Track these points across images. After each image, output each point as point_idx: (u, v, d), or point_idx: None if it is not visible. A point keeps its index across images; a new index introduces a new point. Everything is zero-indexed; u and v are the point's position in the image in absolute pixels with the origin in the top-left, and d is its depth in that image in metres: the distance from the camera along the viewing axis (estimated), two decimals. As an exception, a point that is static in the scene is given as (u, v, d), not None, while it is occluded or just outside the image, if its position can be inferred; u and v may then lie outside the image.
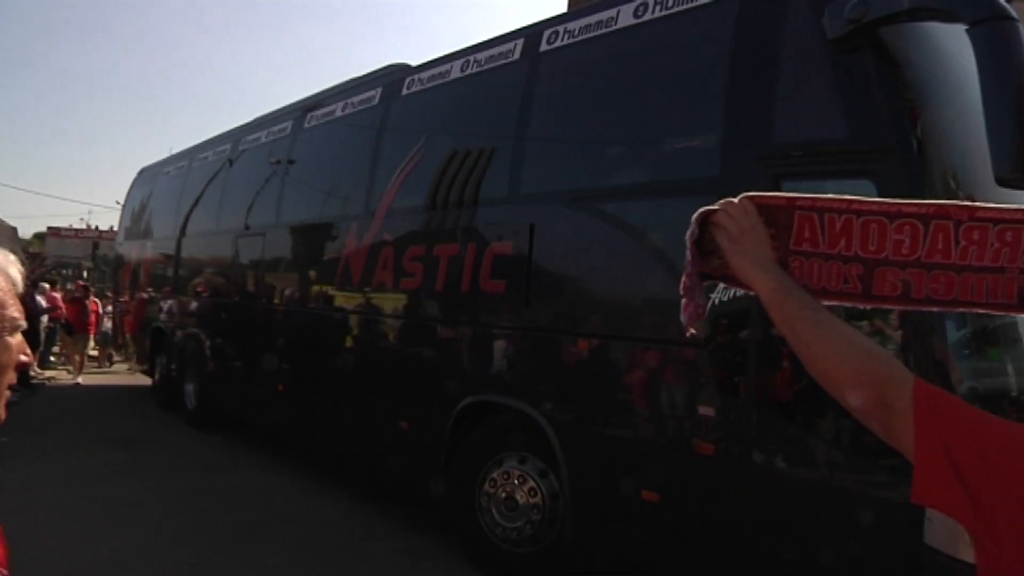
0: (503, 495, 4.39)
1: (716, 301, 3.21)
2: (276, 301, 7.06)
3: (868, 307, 1.47)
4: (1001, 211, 1.36)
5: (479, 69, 5.03)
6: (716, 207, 1.37)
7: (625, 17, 4.08)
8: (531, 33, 4.72)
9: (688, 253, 1.40)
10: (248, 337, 7.38)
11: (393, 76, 6.04)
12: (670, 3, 3.85)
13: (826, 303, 1.43)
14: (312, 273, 6.55)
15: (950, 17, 2.74)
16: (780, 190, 2.97)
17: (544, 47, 4.54)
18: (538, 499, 4.24)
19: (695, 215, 1.38)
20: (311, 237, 6.64)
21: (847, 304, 1.46)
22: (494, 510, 4.41)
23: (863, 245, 1.42)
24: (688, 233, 1.39)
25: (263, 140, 7.64)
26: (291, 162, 7.00)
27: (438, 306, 5.03)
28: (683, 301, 1.40)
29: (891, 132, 2.93)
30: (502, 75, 4.84)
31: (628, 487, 3.68)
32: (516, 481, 4.34)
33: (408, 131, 5.65)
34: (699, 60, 3.77)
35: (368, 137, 6.01)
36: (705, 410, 3.43)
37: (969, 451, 1.11)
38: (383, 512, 5.61)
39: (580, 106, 4.37)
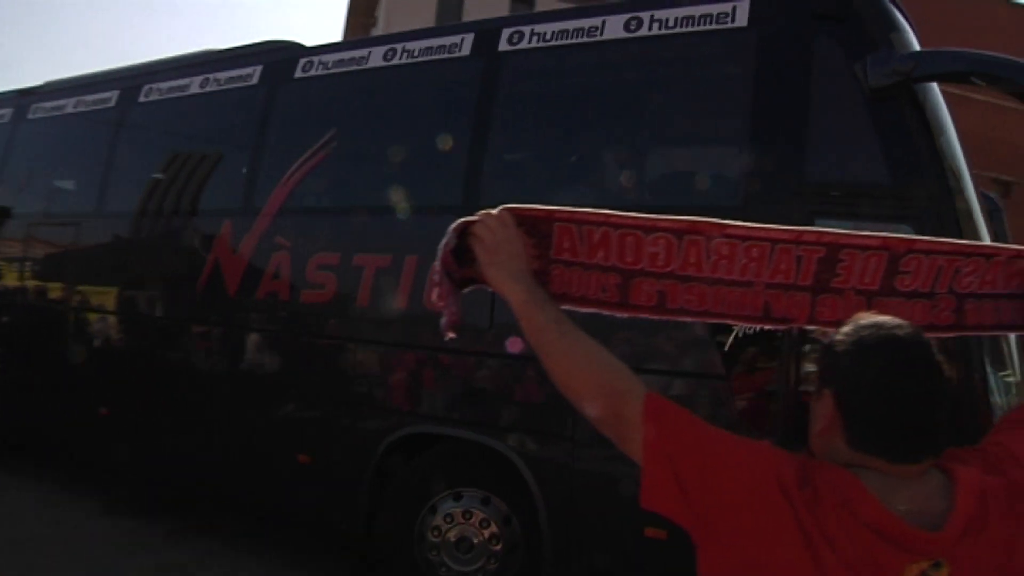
0: (453, 538, 3.96)
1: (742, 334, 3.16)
2: (100, 307, 5.74)
3: (624, 315, 1.54)
4: (749, 229, 1.46)
5: (410, 60, 4.50)
6: (475, 218, 1.40)
7: (613, 29, 3.89)
8: (484, 29, 4.33)
9: (438, 263, 1.44)
10: (62, 348, 5.90)
11: (279, 55, 5.21)
12: (670, 23, 3.74)
13: (585, 310, 1.51)
14: (150, 276, 5.42)
15: (1011, 85, 2.95)
16: (810, 223, 3.00)
17: (505, 47, 4.18)
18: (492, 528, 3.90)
19: (452, 226, 1.41)
20: (144, 233, 5.50)
21: (605, 312, 1.52)
22: (445, 556, 3.96)
23: (620, 256, 1.48)
24: (443, 243, 1.42)
25: (72, 108, 6.19)
26: (119, 136, 5.75)
27: (357, 323, 4.41)
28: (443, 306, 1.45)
29: (931, 180, 3.10)
30: (446, 70, 4.39)
31: (627, 523, 3.49)
32: (464, 520, 3.94)
33: (308, 120, 4.92)
34: (707, 88, 3.71)
35: (244, 120, 5.13)
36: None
37: (691, 462, 1.20)
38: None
39: (559, 115, 4.10)
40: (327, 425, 4.44)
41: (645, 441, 1.23)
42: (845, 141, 3.26)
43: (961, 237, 3.02)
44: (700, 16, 3.67)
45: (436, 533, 3.98)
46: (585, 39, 3.95)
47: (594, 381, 1.31)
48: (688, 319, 1.54)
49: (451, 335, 1.48)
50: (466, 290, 1.51)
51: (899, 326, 1.26)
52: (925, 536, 1.15)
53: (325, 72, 4.84)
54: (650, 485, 1.23)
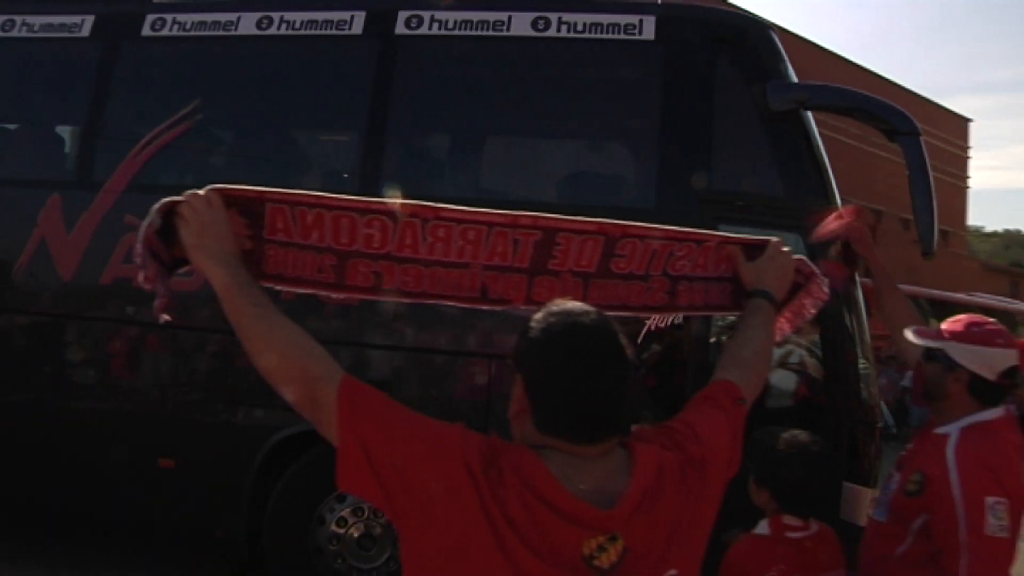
0: (356, 535, 3.83)
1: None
2: None
3: (342, 296, 1.61)
4: (465, 212, 1.54)
5: (290, 32, 4.15)
6: (181, 198, 1.40)
7: (520, 26, 3.91)
8: (377, 9, 4.13)
9: (139, 245, 1.42)
10: None
11: (117, 7, 4.53)
12: (578, 27, 3.84)
13: (301, 291, 1.58)
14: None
15: (882, 123, 3.42)
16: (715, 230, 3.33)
17: (402, 30, 4.02)
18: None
19: (156, 206, 1.40)
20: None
21: (322, 293, 1.58)
22: (347, 554, 3.81)
23: (335, 237, 1.52)
24: (145, 224, 1.41)
25: None
26: None
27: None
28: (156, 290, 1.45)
29: (819, 195, 3.52)
30: (335, 48, 4.13)
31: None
32: (358, 516, 3.84)
33: (162, 87, 4.37)
34: (617, 95, 3.86)
35: (75, 79, 4.43)
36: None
37: (382, 447, 1.25)
38: None
39: (460, 104, 4.03)
40: (195, 426, 4.03)
41: (339, 425, 1.26)
42: (747, 156, 3.60)
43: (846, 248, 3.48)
44: (608, 24, 3.81)
45: (335, 542, 3.83)
46: (491, 32, 3.93)
47: (291, 365, 1.33)
48: (405, 300, 1.60)
49: (165, 318, 1.47)
50: (181, 271, 1.49)
51: (585, 313, 1.34)
52: (600, 513, 1.23)
53: (182, 34, 4.31)
54: (344, 469, 1.26)
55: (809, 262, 1.90)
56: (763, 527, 2.25)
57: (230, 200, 1.43)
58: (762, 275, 1.77)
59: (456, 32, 3.96)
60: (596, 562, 1.22)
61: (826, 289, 1.90)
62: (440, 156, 4.18)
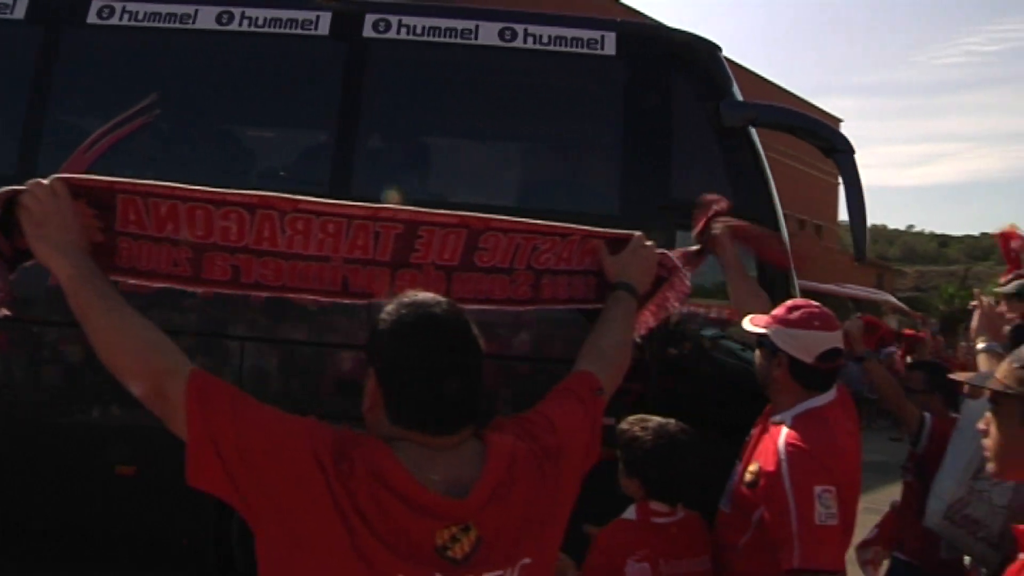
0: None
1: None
2: None
3: (200, 290, 1.58)
4: (323, 205, 1.53)
5: (253, 28, 4.11)
6: (23, 187, 1.35)
7: (488, 35, 4.04)
8: (343, 11, 4.15)
9: None
10: None
11: None
12: (543, 39, 4.02)
13: (157, 285, 1.53)
14: None
15: (821, 140, 3.79)
16: (675, 240, 3.63)
17: (370, 33, 4.07)
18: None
19: None
20: None
21: (178, 287, 1.54)
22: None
23: (191, 230, 1.48)
24: None
25: None
26: None
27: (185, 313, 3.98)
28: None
29: (765, 205, 3.87)
30: (301, 48, 4.11)
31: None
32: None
33: (112, 80, 4.22)
34: (578, 105, 4.07)
35: (10, 66, 4.19)
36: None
37: (232, 441, 1.23)
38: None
39: (427, 110, 4.12)
40: (157, 431, 3.96)
41: (188, 420, 1.25)
42: (701, 168, 3.90)
43: (787, 251, 3.85)
44: (572, 38, 4.02)
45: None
46: (459, 40, 4.05)
47: (137, 359, 1.31)
48: (265, 294, 1.59)
49: (4, 313, 1.42)
50: (27, 264, 1.44)
51: (437, 304, 1.34)
52: (452, 503, 1.24)
53: (134, 24, 4.16)
54: (194, 464, 1.25)
55: (672, 256, 1.95)
56: (630, 512, 2.30)
57: (79, 190, 1.38)
58: (625, 268, 1.81)
59: (424, 38, 4.06)
60: (449, 553, 1.22)
61: (688, 283, 1.95)
62: (404, 160, 4.26)
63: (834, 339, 2.22)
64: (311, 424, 1.29)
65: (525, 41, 4.04)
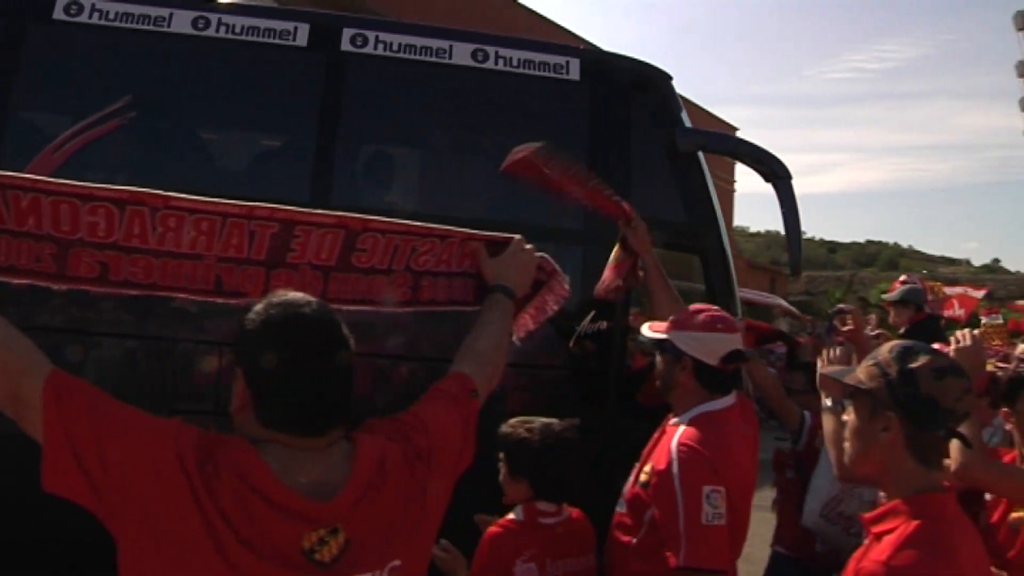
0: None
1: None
2: None
3: (65, 287, 1.51)
4: (196, 202, 1.50)
5: (230, 35, 4.19)
6: None
7: (461, 55, 4.27)
8: (320, 23, 4.28)
9: None
10: None
11: None
12: (513, 62, 4.29)
13: (17, 281, 1.47)
14: None
15: (762, 167, 4.22)
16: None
17: (347, 47, 4.22)
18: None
19: None
20: None
21: (41, 283, 1.49)
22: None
23: (55, 225, 1.42)
24: None
25: None
26: None
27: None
28: None
29: (713, 222, 4.27)
30: (279, 58, 4.21)
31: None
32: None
33: (82, 79, 4.19)
34: (545, 126, 4.35)
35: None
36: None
37: (92, 444, 1.19)
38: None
39: (402, 124, 4.30)
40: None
41: (45, 422, 1.20)
42: (659, 188, 4.26)
43: (730, 265, 4.27)
44: (539, 62, 4.30)
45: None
46: (434, 58, 4.26)
47: None
48: (134, 292, 1.54)
49: None
50: None
51: (307, 303, 1.32)
52: (319, 505, 1.22)
53: (104, 23, 4.14)
54: (51, 468, 1.20)
55: (551, 260, 1.97)
56: (517, 512, 2.30)
57: None
58: (503, 271, 1.82)
59: (400, 55, 4.24)
60: (317, 556, 1.21)
61: (567, 287, 1.98)
62: (379, 172, 4.43)
63: (736, 341, 2.26)
64: (175, 425, 1.25)
65: (496, 63, 4.30)
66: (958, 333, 2.50)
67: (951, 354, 2.27)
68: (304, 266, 1.62)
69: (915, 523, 1.51)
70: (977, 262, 77.31)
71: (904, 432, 1.56)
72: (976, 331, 2.53)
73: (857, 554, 1.60)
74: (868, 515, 1.64)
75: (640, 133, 4.28)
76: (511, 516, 2.30)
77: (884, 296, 5.91)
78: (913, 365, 1.59)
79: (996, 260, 78.55)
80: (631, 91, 4.33)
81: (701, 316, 2.27)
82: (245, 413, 1.31)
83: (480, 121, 4.48)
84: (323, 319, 1.32)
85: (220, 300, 1.61)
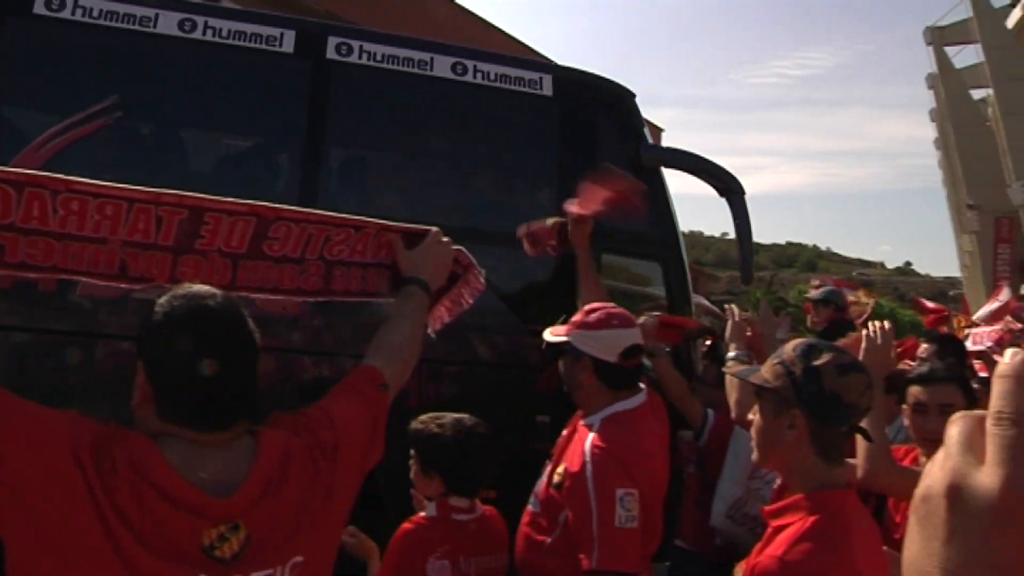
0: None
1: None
2: None
3: None
4: (100, 187, 1.48)
5: (217, 39, 4.27)
6: None
7: (442, 67, 4.49)
8: (306, 31, 4.41)
9: None
10: None
11: None
12: (491, 76, 4.54)
13: None
14: None
15: (718, 182, 4.62)
16: (599, 260, 4.34)
17: (333, 55, 4.38)
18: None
19: None
20: None
21: None
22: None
23: None
24: None
25: None
26: None
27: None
28: None
29: (673, 231, 4.64)
30: (265, 63, 4.33)
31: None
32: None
33: (63, 76, 4.19)
34: (519, 136, 4.63)
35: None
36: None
37: None
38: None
39: (383, 133, 4.49)
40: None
41: None
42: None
43: (687, 272, 4.65)
44: (515, 77, 4.57)
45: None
46: (415, 70, 4.47)
47: None
48: (34, 275, 1.51)
49: None
50: None
51: (211, 296, 1.31)
52: (219, 501, 1.20)
53: (87, 20, 4.16)
54: None
55: (467, 253, 1.97)
56: (430, 509, 2.29)
57: None
58: (419, 263, 1.80)
59: (384, 65, 4.43)
60: (217, 553, 1.19)
61: (483, 280, 1.98)
62: (358, 178, 4.61)
63: (634, 336, 2.26)
64: (71, 419, 1.22)
65: (474, 76, 4.55)
66: (871, 325, 2.51)
67: (862, 346, 2.39)
68: (213, 253, 1.61)
69: (813, 518, 1.53)
70: (891, 264, 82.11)
71: (809, 429, 1.59)
72: (887, 323, 2.54)
73: (757, 547, 1.63)
74: (769, 508, 1.67)
75: (607, 147, 4.61)
76: (423, 513, 2.28)
77: (807, 295, 6.14)
78: (817, 362, 1.61)
79: (908, 263, 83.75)
80: (599, 107, 4.66)
81: (595, 314, 2.26)
82: (145, 407, 1.29)
83: (457, 131, 4.72)
84: (227, 312, 1.31)
85: (125, 285, 1.59)
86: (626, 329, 2.25)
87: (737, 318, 3.05)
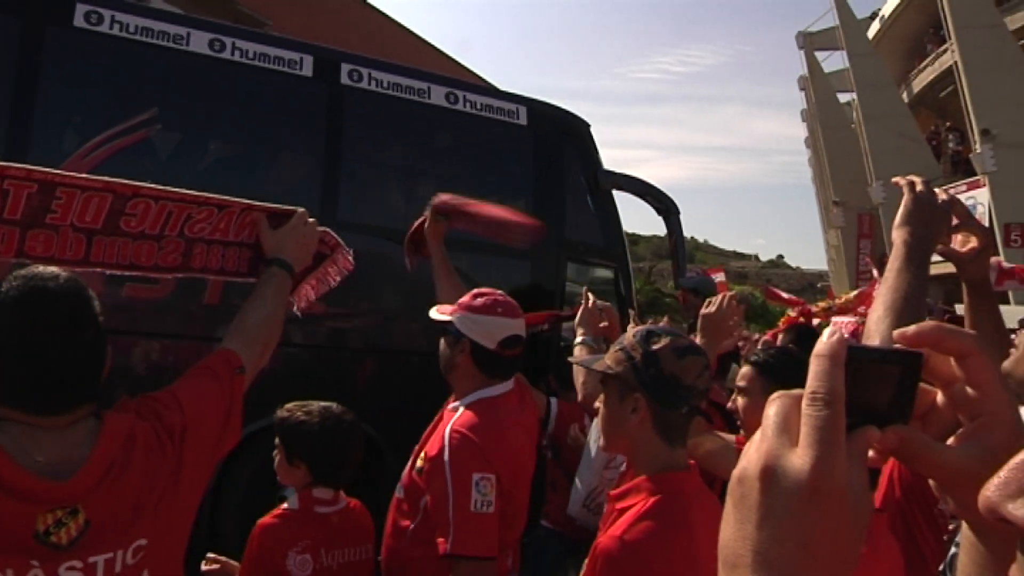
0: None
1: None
2: None
3: None
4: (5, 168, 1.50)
5: (244, 60, 4.81)
6: None
7: (437, 96, 5.23)
8: (322, 57, 5.01)
9: None
10: None
11: None
12: (478, 106, 5.33)
13: None
14: None
15: (659, 203, 5.63)
16: (567, 267, 5.30)
17: (346, 80, 5.02)
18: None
19: None
20: None
21: None
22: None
23: None
24: None
25: None
26: None
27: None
28: None
29: (622, 244, 5.63)
30: (287, 84, 4.89)
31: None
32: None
33: (104, 87, 4.60)
34: (501, 159, 5.45)
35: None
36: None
37: None
38: None
39: (392, 154, 5.18)
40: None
41: None
42: (583, 217, 5.54)
43: (632, 276, 5.66)
44: (497, 107, 5.38)
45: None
46: (415, 97, 5.19)
47: None
48: None
49: None
50: None
51: (53, 277, 1.28)
52: (54, 485, 1.19)
53: (126, 35, 4.59)
54: None
55: (334, 234, 1.99)
56: (291, 501, 2.23)
57: None
58: (283, 243, 1.79)
59: (389, 92, 5.12)
60: (53, 538, 1.17)
61: (351, 260, 1.99)
62: (363, 191, 5.28)
63: (516, 326, 2.25)
64: None
65: (464, 105, 5.32)
66: (713, 299, 2.63)
67: (702, 311, 2.58)
68: (66, 228, 1.58)
69: (654, 499, 1.56)
70: (764, 257, 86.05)
71: (651, 412, 1.63)
72: (733, 295, 2.64)
73: (601, 528, 1.66)
74: (614, 492, 1.70)
75: (571, 170, 5.53)
76: (284, 506, 2.24)
77: (681, 281, 6.27)
78: (656, 347, 1.65)
79: (780, 256, 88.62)
80: (565, 136, 5.55)
81: (482, 299, 2.26)
82: None
83: (447, 151, 5.50)
84: (69, 293, 1.28)
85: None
86: (509, 319, 2.24)
87: (591, 304, 3.09)
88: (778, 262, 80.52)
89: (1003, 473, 0.46)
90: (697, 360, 1.69)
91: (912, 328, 0.57)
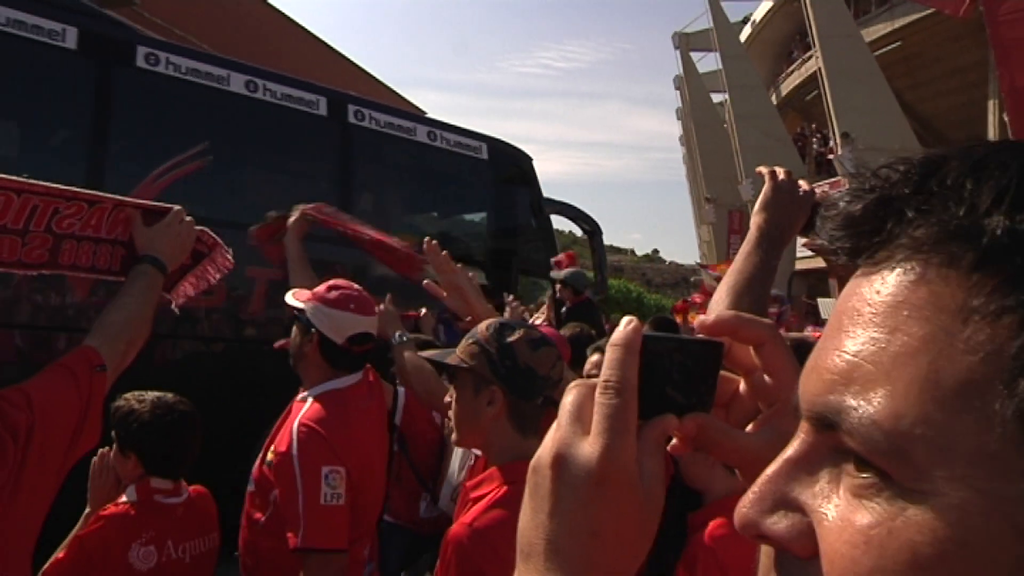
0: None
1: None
2: None
3: None
4: None
5: (272, 99, 5.90)
6: None
7: (421, 134, 6.54)
8: (332, 97, 6.17)
9: None
10: None
11: (102, 25, 5.34)
12: (451, 142, 6.68)
13: None
14: None
15: (585, 224, 7.22)
16: (518, 282, 6.84)
17: (352, 119, 6.22)
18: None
19: None
20: None
21: None
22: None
23: None
24: None
25: None
26: None
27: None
28: None
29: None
30: (306, 123, 5.99)
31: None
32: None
33: (163, 122, 5.54)
34: (466, 190, 6.85)
35: (56, 91, 5.12)
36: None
37: None
38: None
39: (385, 191, 6.46)
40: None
41: None
42: (529, 239, 7.00)
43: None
44: (465, 143, 6.72)
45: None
46: (403, 135, 6.49)
47: None
48: None
49: None
50: None
51: None
52: None
53: (178, 75, 5.55)
54: None
55: (211, 233, 1.99)
56: (130, 493, 2.14)
57: None
58: (156, 241, 1.76)
59: (383, 130, 6.39)
60: None
61: (231, 259, 1.99)
62: (362, 213, 6.52)
63: (367, 324, 2.22)
64: None
65: (442, 143, 6.66)
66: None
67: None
68: None
69: (505, 488, 1.58)
70: (640, 251, 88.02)
71: (507, 404, 1.65)
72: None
73: (455, 517, 1.70)
74: (468, 483, 1.73)
75: (522, 198, 7.01)
76: (124, 498, 2.15)
77: (553, 275, 6.70)
78: (511, 339, 1.66)
79: (655, 250, 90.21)
80: (517, 169, 7.00)
81: (336, 292, 2.22)
82: None
83: (428, 184, 6.84)
84: None
85: None
86: (361, 316, 2.22)
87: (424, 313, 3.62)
88: (653, 256, 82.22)
89: (756, 487, 0.43)
90: (550, 351, 1.72)
91: (711, 317, 0.57)
